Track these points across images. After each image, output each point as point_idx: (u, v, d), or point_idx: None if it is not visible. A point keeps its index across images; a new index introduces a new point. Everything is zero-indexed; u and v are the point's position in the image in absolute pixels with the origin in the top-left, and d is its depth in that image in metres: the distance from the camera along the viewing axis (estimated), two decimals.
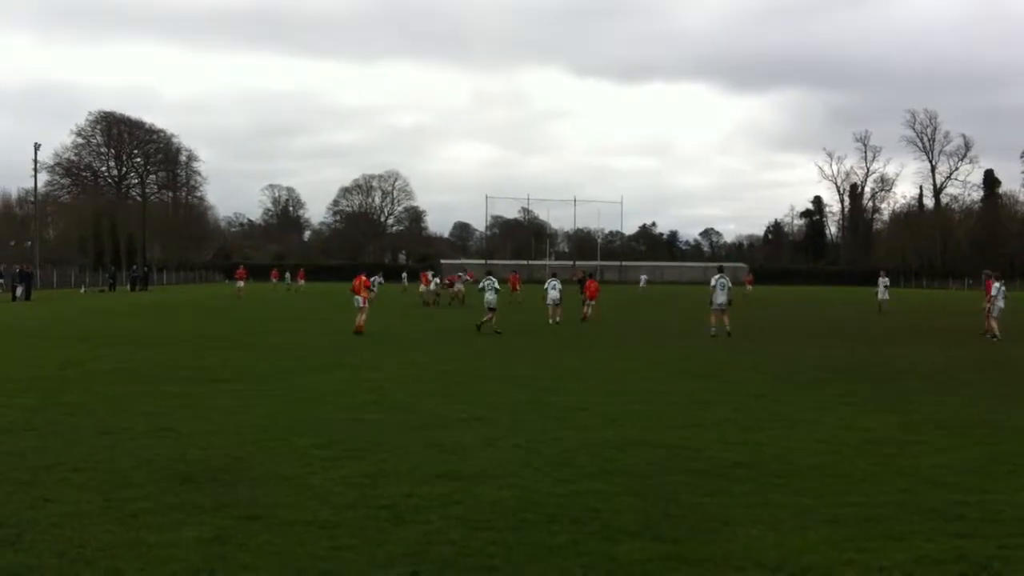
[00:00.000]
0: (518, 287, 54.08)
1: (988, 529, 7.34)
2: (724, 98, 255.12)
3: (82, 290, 76.21)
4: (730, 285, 29.68)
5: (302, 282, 78.93)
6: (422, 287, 50.77)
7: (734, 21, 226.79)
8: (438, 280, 53.18)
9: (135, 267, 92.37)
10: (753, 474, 9.20)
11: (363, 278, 29.54)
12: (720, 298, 28.62)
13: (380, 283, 52.50)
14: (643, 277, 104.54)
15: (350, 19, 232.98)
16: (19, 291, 55.09)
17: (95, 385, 15.74)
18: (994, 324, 28.94)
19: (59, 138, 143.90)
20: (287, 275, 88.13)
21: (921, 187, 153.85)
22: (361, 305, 28.46)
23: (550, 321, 34.16)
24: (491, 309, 29.89)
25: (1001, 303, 29.46)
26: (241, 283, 59.91)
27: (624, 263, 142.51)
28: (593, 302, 37.65)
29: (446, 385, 16.17)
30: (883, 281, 48.09)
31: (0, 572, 6.20)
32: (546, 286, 35.45)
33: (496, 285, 30.74)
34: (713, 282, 29.36)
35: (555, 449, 10.41)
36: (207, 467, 9.29)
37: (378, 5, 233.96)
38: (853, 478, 9.09)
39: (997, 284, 29.73)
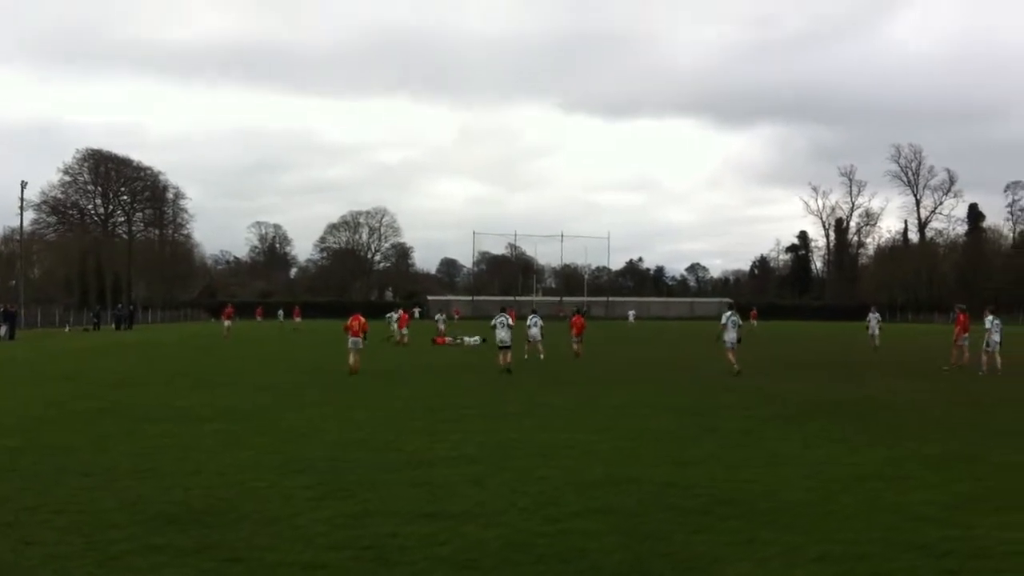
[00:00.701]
0: (512, 322, 54.06)
1: (977, 565, 7.32)
2: (711, 134, 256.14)
3: (66, 329, 75.84)
4: (741, 323, 29.23)
5: (298, 319, 78.25)
6: (393, 327, 49.61)
7: (720, 57, 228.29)
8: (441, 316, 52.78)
9: (120, 306, 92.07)
10: (740, 511, 9.16)
11: (361, 319, 28.31)
12: (731, 335, 28.12)
13: (394, 319, 51.44)
14: (631, 312, 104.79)
15: (336, 56, 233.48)
16: (2, 330, 54.81)
17: (78, 425, 15.63)
18: (984, 358, 29.09)
19: (46, 176, 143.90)
20: (280, 313, 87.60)
21: (906, 221, 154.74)
22: (360, 347, 27.50)
23: (525, 356, 33.68)
24: (505, 347, 28.49)
25: (996, 337, 29.51)
26: (228, 322, 59.57)
27: (611, 298, 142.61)
28: (578, 338, 37.57)
29: (431, 423, 16.10)
30: (874, 317, 47.64)
31: None
32: (528, 323, 34.87)
33: (510, 322, 29.68)
34: (724, 319, 28.81)
35: (541, 487, 10.36)
36: (190, 508, 9.21)
37: (365, 42, 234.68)
38: (841, 515, 9.06)
39: (990, 317, 29.83)
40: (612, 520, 8.78)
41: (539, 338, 34.73)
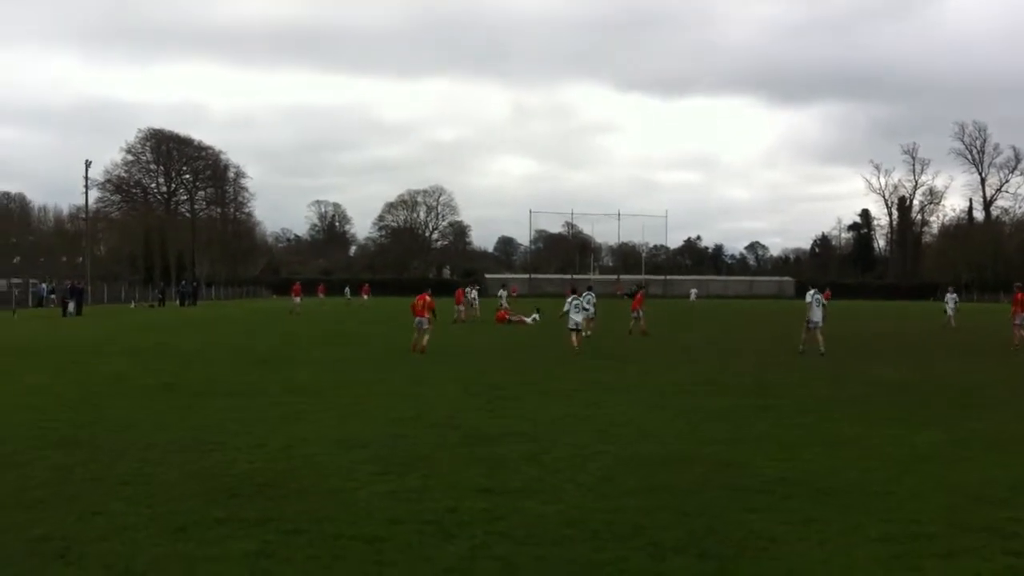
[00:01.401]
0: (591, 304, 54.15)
1: None
2: (768, 111, 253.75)
3: (132, 305, 77.24)
4: (826, 303, 28.62)
5: (367, 297, 78.38)
6: (458, 305, 49.88)
7: (776, 34, 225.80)
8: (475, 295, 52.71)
9: (184, 282, 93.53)
10: (798, 491, 9.10)
11: (427, 298, 27.55)
12: (816, 316, 27.63)
13: (476, 296, 51.93)
14: (693, 291, 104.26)
15: (391, 34, 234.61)
16: (71, 306, 55.92)
17: (143, 400, 15.93)
18: None
19: (109, 155, 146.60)
20: (346, 290, 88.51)
21: (971, 200, 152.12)
22: (426, 327, 26.82)
23: (587, 334, 31.75)
24: (577, 330, 27.51)
25: None
26: (298, 299, 59.97)
27: (669, 277, 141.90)
28: (636, 314, 37.68)
29: (489, 400, 16.17)
30: (952, 297, 47.09)
31: None
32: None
33: (587, 304, 28.82)
34: (808, 298, 28.32)
35: (597, 464, 10.38)
36: (253, 481, 9.36)
37: (419, 20, 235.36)
38: (901, 495, 8.97)
39: None
40: (667, 497, 8.78)
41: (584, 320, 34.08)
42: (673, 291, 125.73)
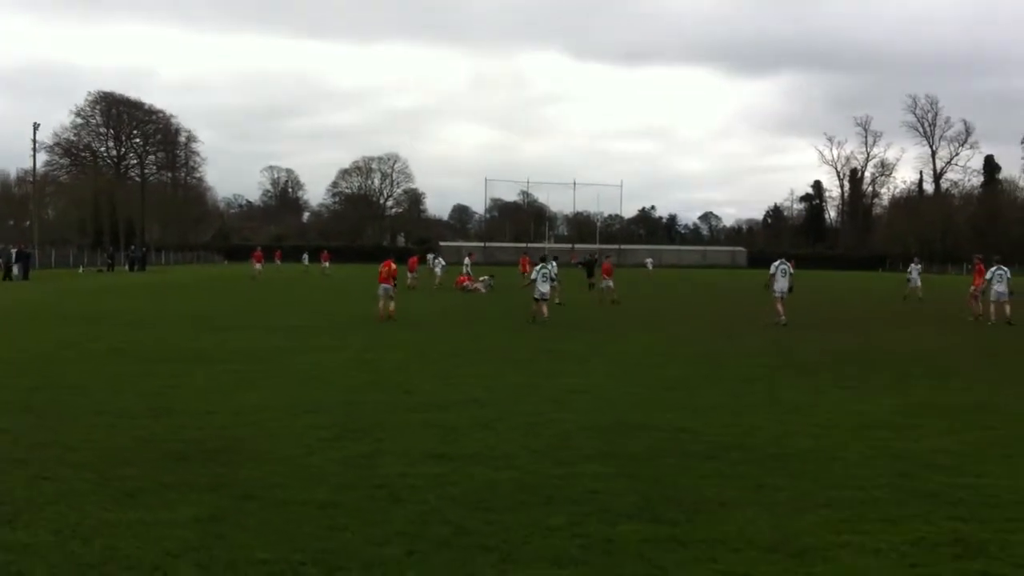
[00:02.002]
0: (528, 268, 54.13)
1: (985, 513, 7.34)
2: (724, 82, 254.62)
3: (80, 270, 76.25)
4: (792, 271, 28.41)
5: (327, 264, 76.04)
6: (410, 272, 50.25)
7: (734, 4, 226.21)
8: (442, 263, 52.99)
9: (133, 247, 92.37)
10: (749, 457, 9.20)
11: (392, 265, 27.17)
12: (782, 284, 27.43)
13: (443, 265, 51.95)
14: (649, 260, 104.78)
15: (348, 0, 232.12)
16: (15, 270, 55.08)
17: (92, 365, 15.74)
18: (992, 308, 28.99)
19: (58, 118, 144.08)
20: (304, 256, 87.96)
21: (921, 172, 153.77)
22: (391, 295, 26.53)
23: (557, 301, 32.09)
24: (543, 299, 27.03)
25: (1001, 287, 29.24)
26: (259, 265, 59.09)
27: (623, 246, 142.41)
28: (610, 282, 37.58)
29: (444, 368, 16.17)
30: (916, 268, 45.89)
31: None
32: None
33: (553, 273, 28.54)
34: (773, 268, 28.01)
35: (552, 431, 10.41)
36: (204, 447, 9.29)
37: None
38: (849, 461, 9.09)
39: (994, 268, 29.53)
40: (622, 464, 8.83)
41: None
42: (626, 260, 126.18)
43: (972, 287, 31.39)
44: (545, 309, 26.96)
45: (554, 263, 35.01)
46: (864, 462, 9.09)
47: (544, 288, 27.27)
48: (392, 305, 26.44)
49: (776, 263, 28.30)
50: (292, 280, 59.67)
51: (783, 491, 7.90)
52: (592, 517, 7.07)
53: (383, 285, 26.66)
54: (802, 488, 8.01)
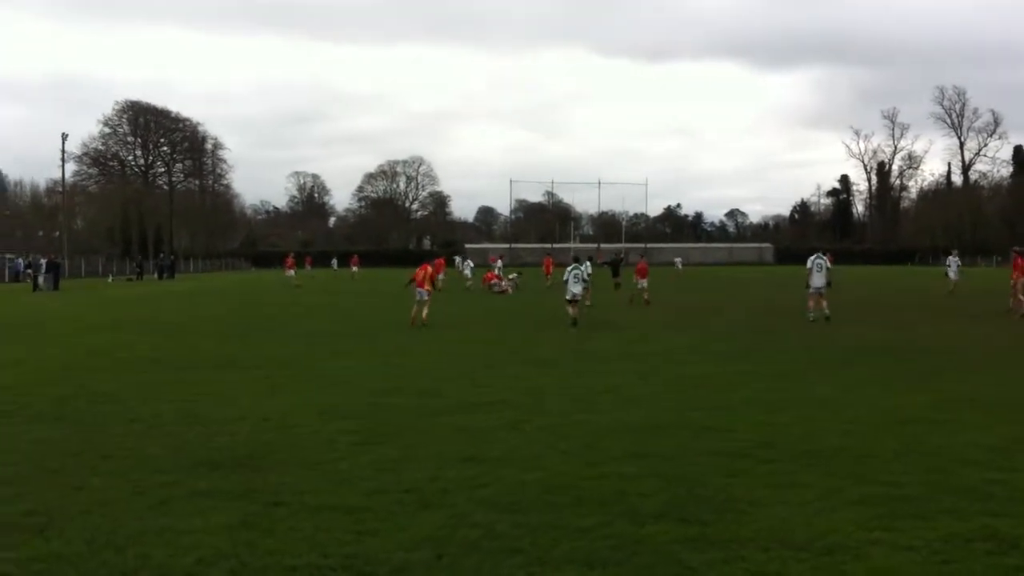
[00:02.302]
0: (551, 271, 53.99)
1: (1018, 508, 7.27)
2: (750, 77, 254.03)
3: (110, 279, 76.86)
4: (829, 266, 27.73)
5: (356, 268, 75.93)
6: (439, 275, 50.77)
7: None
8: (471, 264, 53.22)
9: (162, 255, 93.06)
10: (779, 455, 9.15)
11: (428, 269, 26.94)
12: (818, 280, 26.82)
13: (471, 266, 51.77)
14: (678, 260, 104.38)
15: (369, 4, 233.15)
16: (41, 280, 55.60)
17: (124, 373, 15.86)
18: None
19: (86, 128, 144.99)
20: (333, 261, 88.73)
21: (949, 164, 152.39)
22: (425, 298, 25.92)
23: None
24: (574, 300, 26.10)
25: None
26: (292, 272, 58.88)
27: (649, 245, 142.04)
28: (645, 282, 36.66)
29: (471, 369, 16.18)
30: (955, 260, 43.67)
31: (31, 559, 6.26)
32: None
33: (585, 274, 27.23)
34: (809, 263, 27.36)
35: (581, 432, 10.40)
36: (234, 454, 9.34)
37: None
38: (881, 457, 9.03)
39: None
40: (651, 464, 8.81)
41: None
42: (653, 260, 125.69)
43: (1013, 281, 30.71)
44: (573, 310, 26.07)
45: (588, 263, 34.77)
46: (895, 458, 9.02)
47: (576, 289, 26.38)
48: (425, 311, 25.85)
49: (812, 257, 27.73)
50: (322, 285, 59.85)
51: (813, 488, 7.85)
52: (622, 518, 7.05)
53: (419, 289, 26.20)
54: (833, 485, 7.96)
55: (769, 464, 8.76)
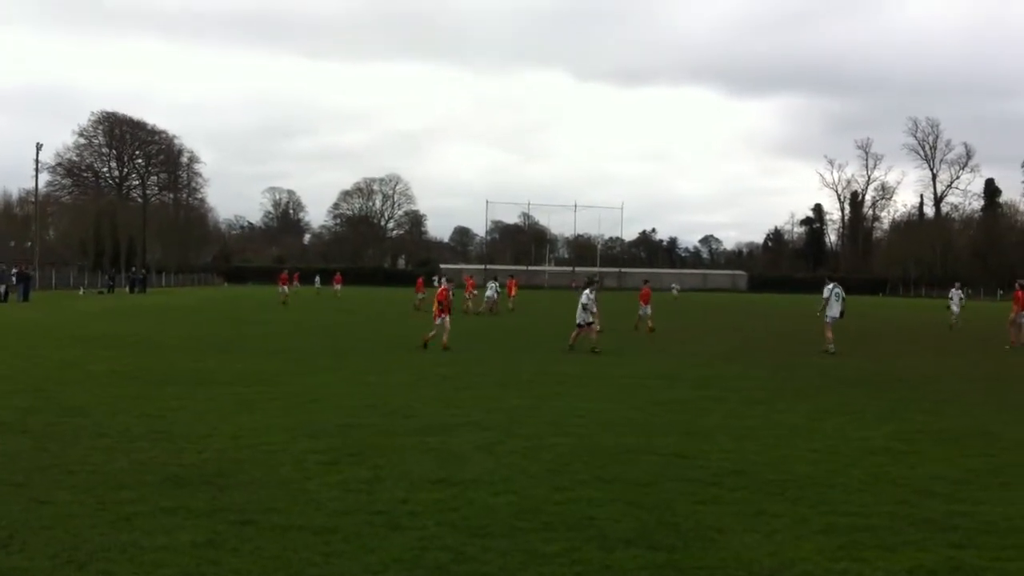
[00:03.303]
0: (514, 292, 53.96)
1: (982, 540, 7.33)
2: (725, 103, 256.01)
3: (81, 291, 76.23)
4: (844, 296, 27.17)
5: (339, 286, 75.52)
6: (419, 294, 50.81)
7: (735, 26, 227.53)
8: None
9: (134, 269, 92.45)
10: (748, 483, 9.19)
11: (449, 294, 26.01)
12: (834, 310, 26.31)
13: (498, 288, 49.95)
14: (675, 286, 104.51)
15: (349, 20, 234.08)
16: (18, 292, 55.05)
17: (92, 387, 15.72)
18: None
19: (60, 138, 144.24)
20: (316, 279, 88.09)
21: (922, 195, 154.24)
22: (447, 325, 25.15)
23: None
24: (580, 325, 25.72)
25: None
26: (285, 288, 57.40)
27: (624, 269, 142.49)
28: (648, 309, 35.96)
29: (444, 390, 16.16)
30: (957, 293, 42.58)
31: None
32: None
33: (587, 301, 25.81)
34: (827, 292, 26.75)
35: (551, 455, 10.40)
36: (202, 471, 9.28)
37: (377, 7, 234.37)
38: (848, 488, 9.08)
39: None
40: (620, 489, 8.82)
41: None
42: (627, 284, 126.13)
43: (1012, 314, 30.94)
44: (589, 334, 25.54)
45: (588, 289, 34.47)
46: (863, 488, 9.08)
47: (580, 314, 25.72)
48: (446, 336, 24.96)
49: (829, 287, 27.10)
50: (305, 302, 59.57)
51: (781, 517, 7.89)
52: (589, 543, 7.05)
53: (443, 316, 25.31)
54: (800, 514, 8.00)
55: (737, 492, 8.79)
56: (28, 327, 31.88)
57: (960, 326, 39.98)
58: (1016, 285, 31.73)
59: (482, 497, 8.41)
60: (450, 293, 26.40)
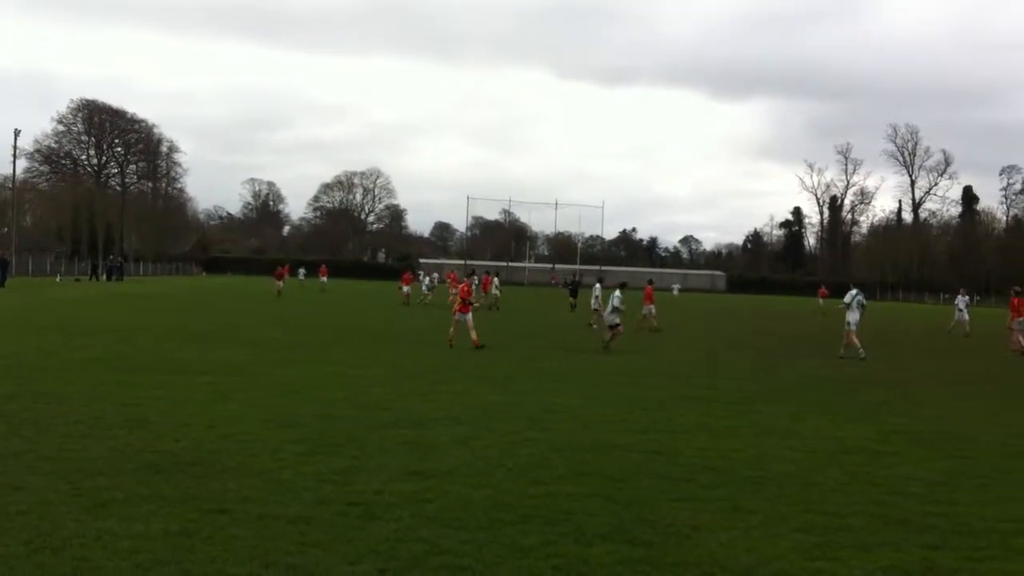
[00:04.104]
0: (489, 288, 54.08)
1: (957, 540, 7.38)
2: (706, 105, 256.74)
3: (58, 279, 75.68)
4: (865, 303, 26.57)
5: (324, 278, 74.00)
6: (404, 287, 50.71)
7: (718, 29, 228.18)
8: (432, 279, 53.24)
9: (112, 257, 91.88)
10: (725, 480, 9.22)
11: (470, 287, 25.28)
12: (855, 316, 25.84)
13: (498, 285, 49.60)
14: (675, 286, 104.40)
15: (333, 14, 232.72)
16: None
17: (69, 374, 15.61)
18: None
19: (40, 125, 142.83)
20: (301, 271, 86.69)
21: (900, 201, 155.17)
22: (471, 323, 24.33)
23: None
24: (611, 326, 25.20)
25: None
26: (280, 283, 56.18)
27: (604, 268, 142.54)
28: (652, 307, 35.76)
29: (422, 384, 16.13)
30: (963, 299, 40.69)
31: None
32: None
33: (618, 303, 25.19)
34: (849, 299, 26.26)
35: (529, 450, 10.40)
36: (178, 459, 9.23)
37: (363, 1, 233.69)
38: (825, 487, 9.12)
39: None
40: (597, 484, 8.83)
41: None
42: (607, 282, 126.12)
43: (1010, 320, 30.94)
44: (607, 334, 25.10)
45: (597, 286, 34.73)
46: (839, 488, 9.12)
47: (611, 316, 25.15)
48: (474, 333, 24.04)
49: (852, 292, 26.58)
50: (290, 293, 59.31)
51: (758, 515, 7.91)
52: (566, 538, 7.06)
53: (464, 313, 24.66)
54: (777, 512, 8.03)
55: (715, 489, 8.81)
56: (5, 313, 31.60)
57: (966, 333, 38.98)
58: (1012, 292, 31.48)
59: (458, 490, 8.39)
60: (472, 288, 25.45)
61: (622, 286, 26.35)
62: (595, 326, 32.65)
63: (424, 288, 52.02)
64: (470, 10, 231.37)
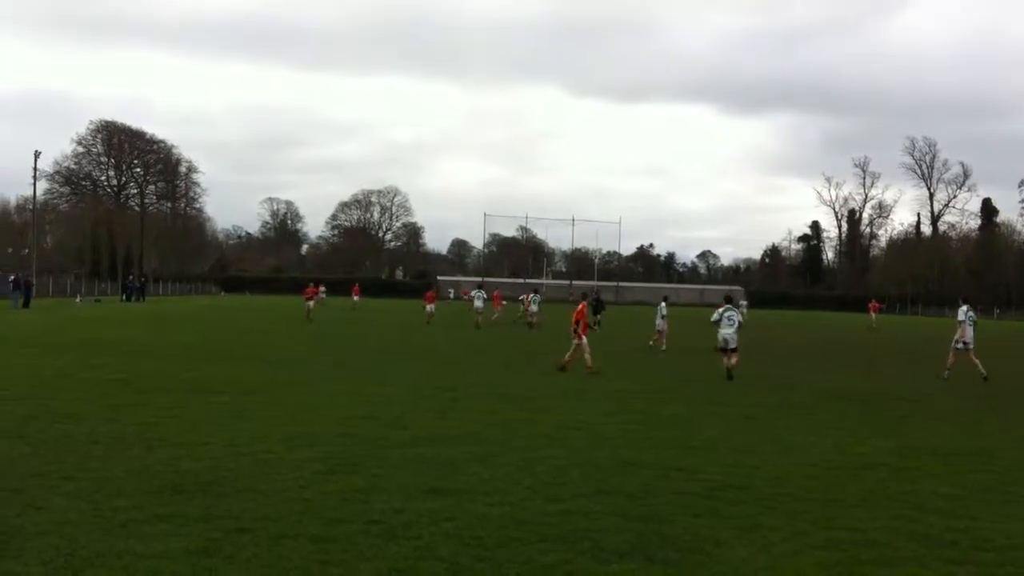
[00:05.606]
0: (500, 305, 54.04)
1: (980, 556, 7.32)
2: (722, 120, 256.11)
3: (77, 300, 76.06)
4: (976, 319, 25.45)
5: (357, 297, 73.19)
6: (428, 305, 49.89)
7: (732, 44, 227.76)
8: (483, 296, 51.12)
9: (131, 277, 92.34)
10: (745, 496, 9.17)
11: (585, 309, 24.10)
12: (970, 333, 24.68)
13: (539, 300, 48.55)
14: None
15: (348, 33, 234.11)
16: (18, 300, 55.01)
17: (89, 394, 15.68)
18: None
19: (59, 146, 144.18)
20: (322, 290, 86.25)
21: (919, 214, 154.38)
22: (586, 346, 23.04)
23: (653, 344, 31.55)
24: (731, 349, 22.80)
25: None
26: (311, 303, 55.33)
27: (621, 283, 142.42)
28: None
29: (441, 401, 16.13)
30: (969, 314, 39.99)
31: None
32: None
33: (739, 317, 23.50)
34: (961, 315, 25.03)
35: (547, 467, 10.38)
36: (198, 479, 9.25)
37: (377, 20, 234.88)
38: (846, 503, 9.07)
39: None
40: (616, 502, 8.80)
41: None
42: (624, 299, 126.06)
43: None
44: (727, 359, 22.70)
45: (743, 304, 33.25)
46: (861, 503, 9.07)
47: (728, 332, 22.92)
48: (588, 356, 22.91)
49: (964, 309, 25.28)
50: (319, 313, 59.41)
51: (778, 531, 7.87)
52: (585, 555, 7.03)
53: (580, 337, 23.27)
54: (798, 529, 7.98)
55: (735, 506, 8.77)
56: (26, 334, 31.77)
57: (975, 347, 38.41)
58: None
59: (477, 508, 8.38)
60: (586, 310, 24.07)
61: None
62: (654, 344, 32.75)
63: (478, 302, 49.08)
64: (483, 29, 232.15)
